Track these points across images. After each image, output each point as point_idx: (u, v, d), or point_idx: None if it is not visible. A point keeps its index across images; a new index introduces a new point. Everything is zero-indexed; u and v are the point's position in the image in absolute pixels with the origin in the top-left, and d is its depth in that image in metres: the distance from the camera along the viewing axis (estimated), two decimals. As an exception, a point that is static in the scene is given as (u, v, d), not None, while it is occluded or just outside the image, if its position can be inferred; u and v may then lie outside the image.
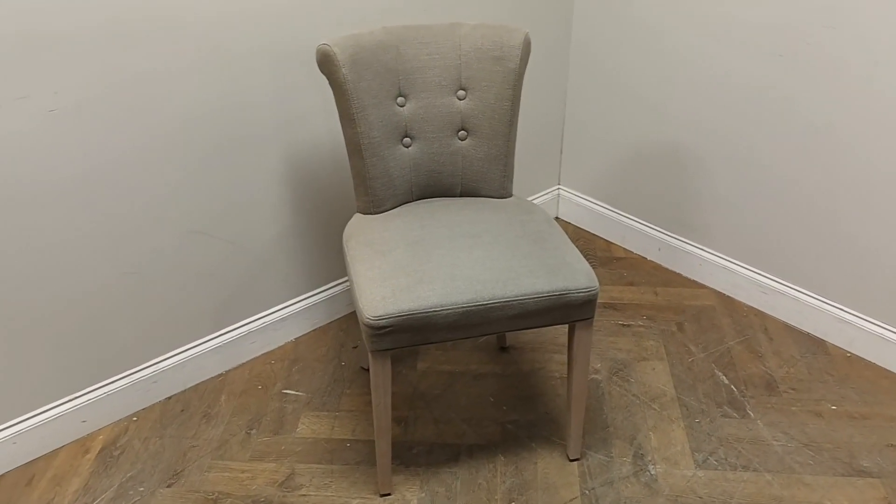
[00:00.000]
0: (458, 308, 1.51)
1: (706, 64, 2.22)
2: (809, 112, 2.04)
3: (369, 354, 1.56)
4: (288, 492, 1.75)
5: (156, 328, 1.96)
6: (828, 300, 2.18)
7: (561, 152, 2.78)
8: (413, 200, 1.87)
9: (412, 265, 1.58)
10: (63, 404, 1.87)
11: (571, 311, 1.59)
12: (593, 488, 1.75)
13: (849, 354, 2.15)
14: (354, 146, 1.74)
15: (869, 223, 2.02)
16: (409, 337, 1.53)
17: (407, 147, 1.81)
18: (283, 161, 2.02)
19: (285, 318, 2.21)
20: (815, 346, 2.19)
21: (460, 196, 1.89)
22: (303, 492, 1.75)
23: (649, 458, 1.83)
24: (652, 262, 2.62)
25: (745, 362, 2.13)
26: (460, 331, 1.55)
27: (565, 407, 1.98)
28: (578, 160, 2.73)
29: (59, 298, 1.77)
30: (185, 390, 2.07)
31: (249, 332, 2.14)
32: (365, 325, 1.50)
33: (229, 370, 2.14)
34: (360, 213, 1.83)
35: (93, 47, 1.61)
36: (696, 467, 1.80)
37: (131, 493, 1.76)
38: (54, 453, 1.87)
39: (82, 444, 1.90)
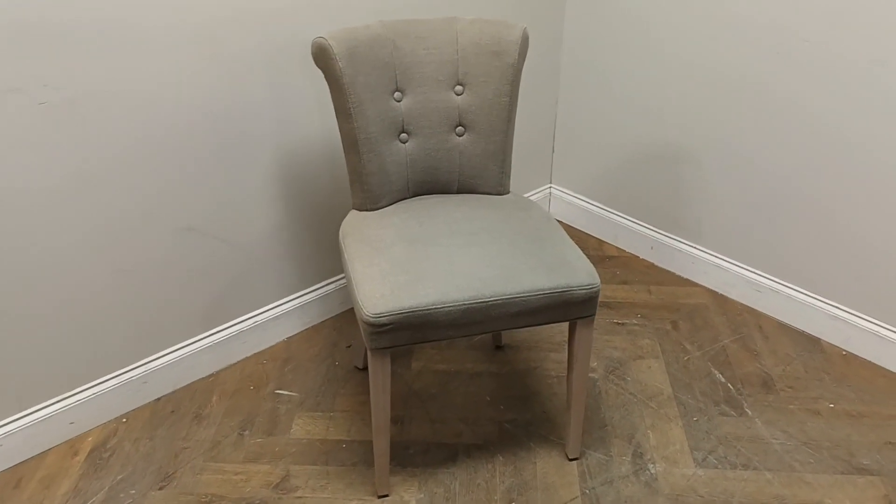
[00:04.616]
0: (458, 305, 1.49)
1: (698, 62, 2.21)
2: (802, 110, 2.04)
3: (368, 353, 1.53)
4: (283, 494, 1.72)
5: (146, 327, 1.92)
6: (822, 298, 2.18)
7: (553, 151, 2.77)
8: (409, 197, 1.85)
9: (411, 262, 1.56)
10: (51, 405, 1.82)
11: (573, 309, 1.57)
12: (593, 488, 1.73)
13: (844, 352, 2.15)
14: (351, 141, 1.71)
15: (863, 220, 2.02)
16: (408, 335, 1.50)
17: (404, 143, 1.78)
18: (275, 158, 1.99)
19: (277, 316, 2.17)
20: (811, 344, 2.19)
21: (457, 193, 1.87)
22: (298, 494, 1.72)
23: (648, 457, 1.81)
24: (644, 260, 2.61)
25: (740, 361, 2.13)
26: (460, 328, 1.53)
27: (563, 406, 1.97)
28: (570, 159, 2.72)
29: (48, 297, 1.72)
30: (175, 391, 2.03)
31: (241, 332, 2.11)
32: (364, 322, 1.47)
33: (221, 370, 2.10)
34: (355, 209, 1.80)
35: (85, 43, 1.57)
36: (695, 466, 1.79)
37: (122, 495, 1.72)
38: (43, 455, 1.82)
39: (71, 446, 1.85)
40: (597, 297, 1.57)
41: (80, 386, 1.86)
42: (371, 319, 1.46)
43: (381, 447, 1.65)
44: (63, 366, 1.81)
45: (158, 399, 2.00)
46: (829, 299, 2.17)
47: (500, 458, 1.81)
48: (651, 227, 2.56)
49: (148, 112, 1.72)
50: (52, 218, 1.66)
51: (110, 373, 1.90)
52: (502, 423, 1.92)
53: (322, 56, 1.64)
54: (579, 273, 1.57)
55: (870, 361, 2.11)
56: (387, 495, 1.71)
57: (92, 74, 1.60)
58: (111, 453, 1.83)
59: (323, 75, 1.68)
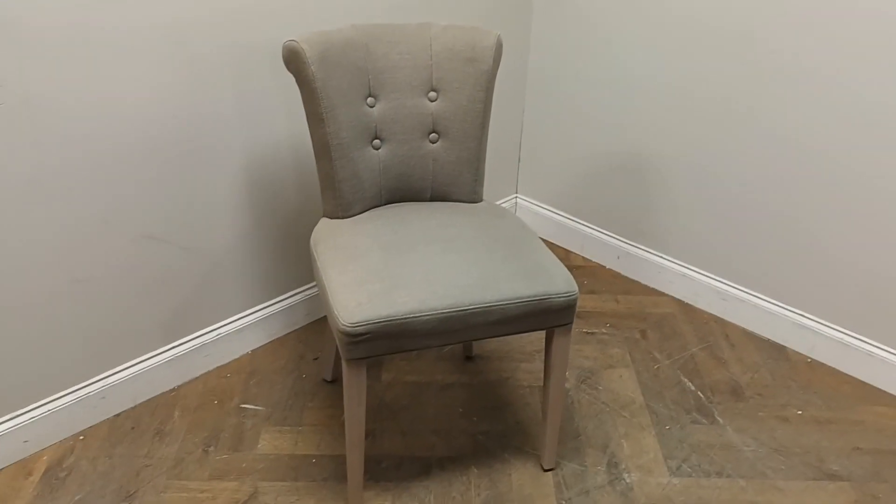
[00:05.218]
0: (437, 314, 1.46)
1: (663, 73, 2.23)
2: (766, 121, 2.07)
3: (343, 364, 1.49)
4: (252, 511, 1.66)
5: (104, 340, 1.84)
6: (787, 306, 2.21)
7: (518, 161, 2.76)
8: (382, 205, 1.81)
9: (387, 270, 1.52)
10: (2, 423, 1.73)
11: (551, 317, 1.55)
12: (570, 499, 1.71)
13: (809, 360, 2.18)
14: (323, 147, 1.67)
15: (827, 229, 2.05)
16: (386, 344, 1.46)
17: (377, 149, 1.75)
18: (241, 164, 1.93)
19: (241, 329, 2.11)
20: (776, 352, 2.21)
21: (430, 200, 1.84)
22: (267, 511, 1.66)
23: (623, 467, 1.80)
24: (611, 270, 2.61)
25: (709, 369, 2.14)
26: (438, 337, 1.49)
27: (537, 416, 1.94)
28: (536, 169, 2.72)
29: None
30: (135, 406, 1.95)
31: (203, 345, 2.04)
32: (341, 332, 1.43)
33: (182, 384, 2.03)
34: (326, 217, 1.76)
35: (44, 42, 1.50)
36: (670, 475, 1.78)
37: (80, 517, 1.64)
38: (-7, 476, 1.73)
39: (24, 466, 1.76)
40: (575, 304, 1.56)
41: (34, 402, 1.77)
42: (348, 329, 1.42)
43: (355, 461, 1.60)
44: (15, 381, 1.72)
45: (117, 415, 1.92)
46: (793, 307, 2.20)
47: (475, 470, 1.78)
48: (618, 237, 2.57)
49: (108, 115, 1.65)
50: (4, 224, 1.58)
51: (66, 388, 1.82)
52: (476, 434, 1.88)
53: (294, 59, 1.60)
54: (557, 280, 1.55)
55: (834, 368, 2.14)
56: (360, 511, 1.66)
57: (50, 75, 1.53)
58: (68, 473, 1.75)
59: (294, 79, 1.64)
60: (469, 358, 2.14)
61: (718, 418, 1.96)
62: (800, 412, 1.98)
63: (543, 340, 2.19)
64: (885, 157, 1.89)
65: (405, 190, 1.81)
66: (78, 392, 1.84)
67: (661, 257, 2.47)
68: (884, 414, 1.98)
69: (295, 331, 2.24)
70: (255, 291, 2.12)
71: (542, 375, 2.08)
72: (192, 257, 1.93)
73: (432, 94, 1.75)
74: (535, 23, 2.51)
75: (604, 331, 2.29)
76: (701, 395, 2.04)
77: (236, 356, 2.13)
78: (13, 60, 1.48)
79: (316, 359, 2.13)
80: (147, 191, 1.78)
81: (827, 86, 1.93)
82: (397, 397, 2.00)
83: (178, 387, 2.02)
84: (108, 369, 1.88)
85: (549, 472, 1.78)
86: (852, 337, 2.09)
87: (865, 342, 2.07)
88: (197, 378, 2.05)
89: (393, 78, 1.72)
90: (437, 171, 1.80)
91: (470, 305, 1.48)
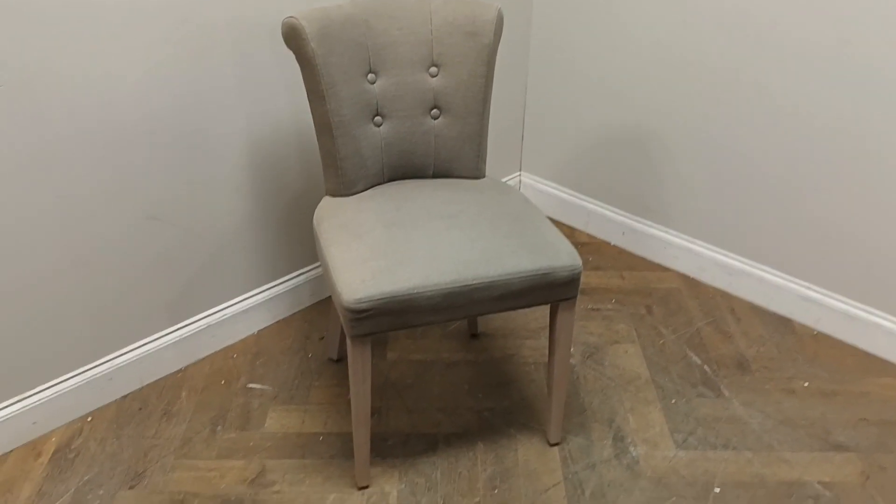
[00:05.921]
0: (441, 289, 1.45)
1: (666, 46, 2.21)
2: (771, 93, 2.05)
3: (348, 341, 1.49)
4: (260, 489, 1.66)
5: (110, 322, 1.85)
6: (793, 279, 2.20)
7: (522, 138, 2.75)
8: (384, 182, 1.81)
9: (391, 246, 1.52)
10: (11, 405, 1.74)
11: (555, 291, 1.55)
12: (576, 472, 1.71)
13: (815, 332, 2.17)
14: (324, 125, 1.66)
15: (831, 201, 2.04)
16: (390, 320, 1.46)
17: (378, 126, 1.74)
18: (243, 143, 1.92)
19: (247, 309, 2.11)
20: (782, 325, 2.21)
21: (433, 177, 1.83)
22: (275, 488, 1.67)
23: (629, 441, 1.80)
24: (616, 246, 2.60)
25: (715, 343, 2.13)
26: (443, 313, 1.49)
27: (542, 392, 1.95)
28: (540, 145, 2.70)
29: (4, 290, 1.64)
30: (142, 387, 1.96)
31: (209, 325, 2.04)
32: (345, 309, 1.43)
33: (189, 365, 2.03)
34: (329, 195, 1.75)
35: (42, 19, 1.49)
36: (676, 448, 1.78)
37: (90, 496, 1.64)
38: (3, 458, 1.74)
39: (33, 447, 1.77)
40: (579, 278, 1.55)
41: (42, 384, 1.78)
42: (352, 305, 1.42)
43: (362, 438, 1.60)
44: (23, 363, 1.73)
45: (125, 396, 1.93)
46: (799, 279, 2.19)
47: (481, 446, 1.79)
48: (622, 213, 2.56)
49: (109, 94, 1.65)
50: (7, 205, 1.58)
51: (73, 370, 1.83)
52: (481, 411, 1.89)
53: (293, 36, 1.59)
54: (561, 254, 1.54)
55: (839, 340, 2.14)
56: (367, 487, 1.67)
57: (50, 54, 1.53)
58: (76, 454, 1.76)
59: (294, 57, 1.63)
60: (474, 335, 2.15)
61: (724, 391, 1.96)
62: (806, 384, 1.98)
63: (548, 317, 2.19)
64: (891, 129, 1.87)
65: (407, 167, 1.80)
66: (85, 374, 1.84)
67: (666, 232, 2.46)
68: (889, 385, 1.98)
69: (300, 311, 2.24)
70: (261, 272, 2.12)
71: (547, 352, 2.09)
72: (196, 238, 1.93)
73: (433, 69, 1.74)
74: (536, -2, 2.49)
75: (609, 307, 2.29)
76: (707, 368, 2.04)
77: (242, 336, 2.13)
78: (13, 38, 1.47)
79: (321, 338, 2.13)
80: (150, 171, 1.78)
81: (833, 59, 1.91)
82: (403, 375, 2.00)
83: (185, 367, 2.03)
84: (115, 351, 1.89)
85: (556, 447, 1.78)
86: (858, 308, 2.09)
87: (871, 313, 2.07)
88: (203, 359, 2.06)
89: (393, 53, 1.71)
90: (440, 147, 1.79)
91: (474, 280, 1.47)
